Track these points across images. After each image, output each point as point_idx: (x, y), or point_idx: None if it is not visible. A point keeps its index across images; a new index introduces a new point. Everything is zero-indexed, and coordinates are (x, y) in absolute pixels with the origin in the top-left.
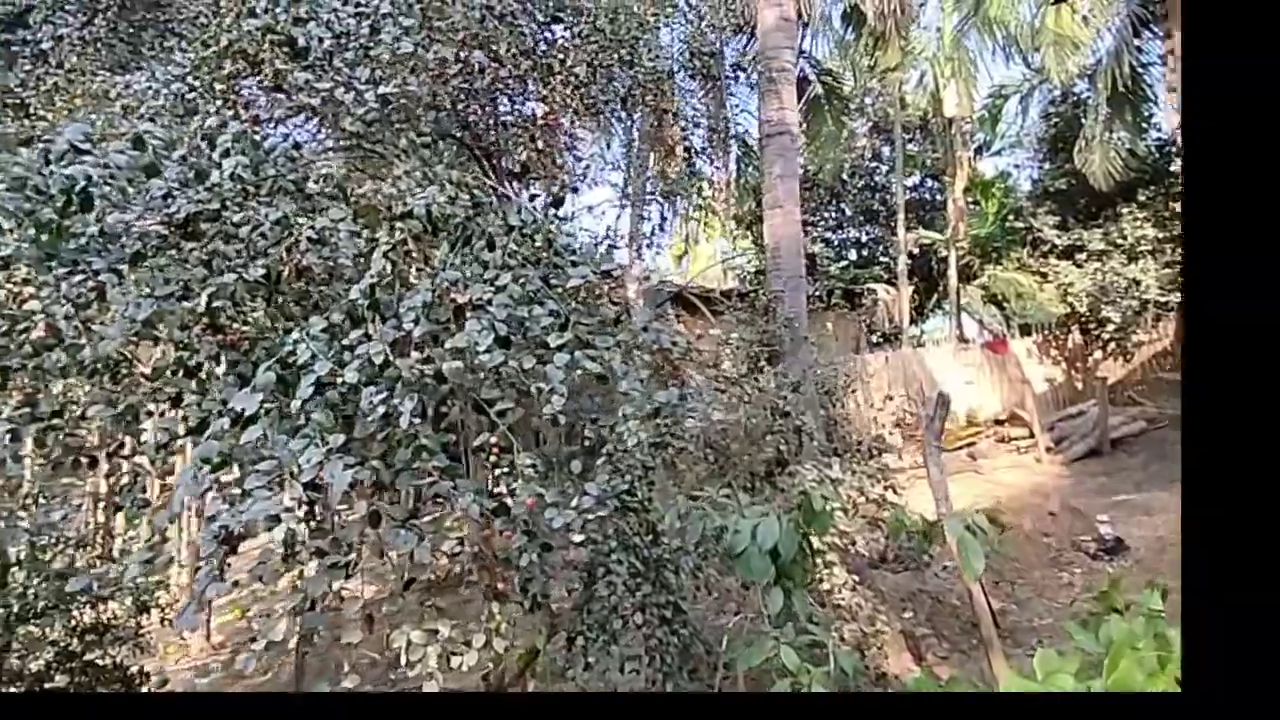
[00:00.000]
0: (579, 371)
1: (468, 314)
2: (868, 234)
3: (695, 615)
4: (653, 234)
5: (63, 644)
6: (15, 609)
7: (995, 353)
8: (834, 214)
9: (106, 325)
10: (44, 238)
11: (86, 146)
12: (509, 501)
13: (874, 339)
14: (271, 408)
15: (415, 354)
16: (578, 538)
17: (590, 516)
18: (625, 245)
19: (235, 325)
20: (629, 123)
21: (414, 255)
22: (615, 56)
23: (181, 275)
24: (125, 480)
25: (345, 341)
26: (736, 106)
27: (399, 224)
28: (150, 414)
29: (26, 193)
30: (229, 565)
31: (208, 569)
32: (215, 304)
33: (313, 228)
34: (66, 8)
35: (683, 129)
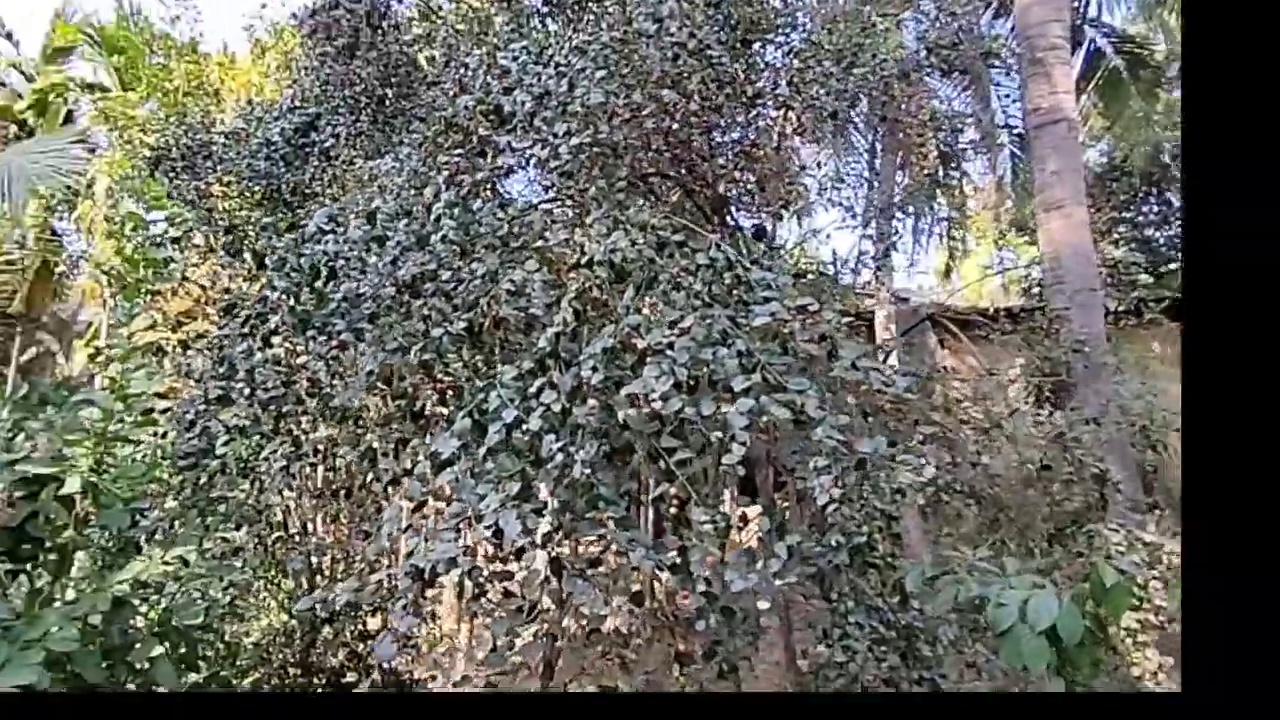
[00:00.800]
0: (764, 418)
1: (648, 359)
2: None
3: None
4: (888, 252)
5: (352, 646)
6: (317, 611)
7: None
8: (1155, 207)
9: (351, 378)
10: (299, 306)
11: (330, 227)
12: (689, 558)
13: None
14: (465, 452)
15: (593, 401)
16: (764, 604)
17: (780, 581)
18: (870, 266)
19: (446, 375)
20: (864, 135)
21: (602, 302)
22: (835, 68)
23: (408, 330)
24: (369, 510)
25: (531, 390)
26: (1007, 97)
27: (583, 271)
28: (385, 454)
29: (288, 270)
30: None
31: (403, 604)
32: (425, 357)
33: (511, 280)
34: (340, 110)
35: (932, 132)
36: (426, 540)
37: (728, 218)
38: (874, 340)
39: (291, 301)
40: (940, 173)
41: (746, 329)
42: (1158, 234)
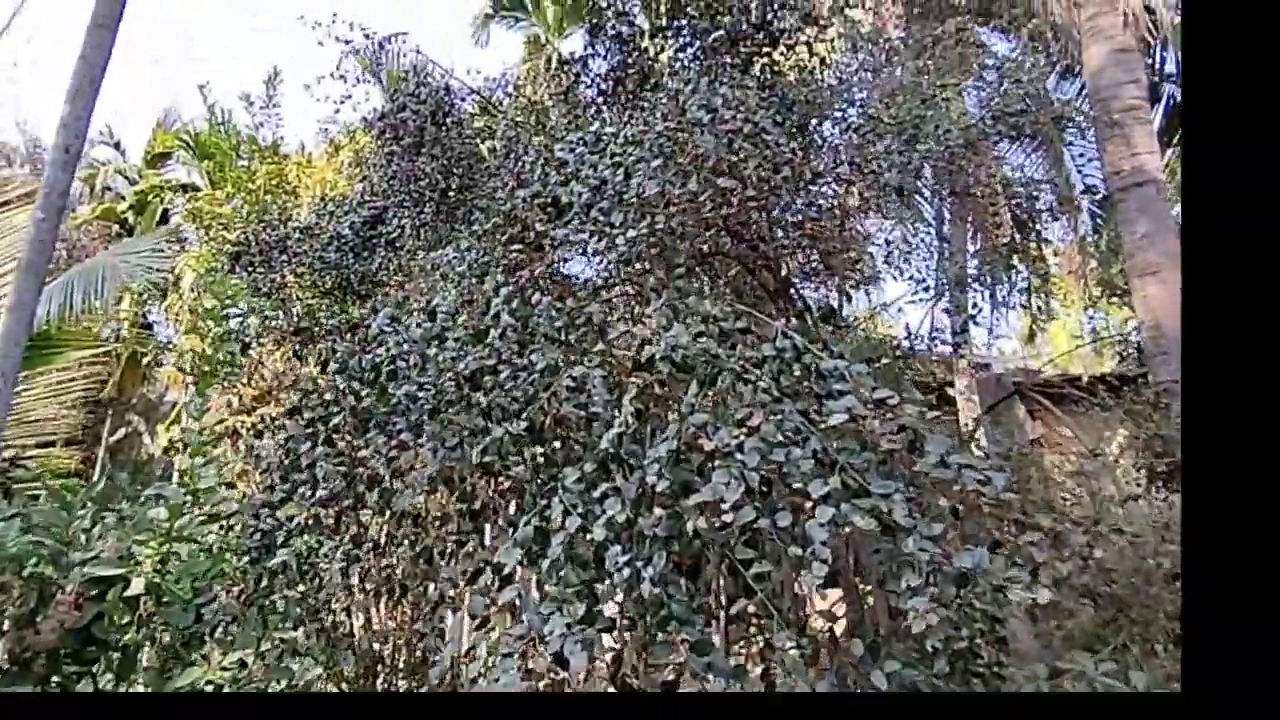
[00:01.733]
0: (846, 528)
1: (716, 462)
2: None
3: None
4: (966, 326)
5: None
6: None
7: None
8: None
9: (413, 474)
10: (360, 405)
11: (390, 328)
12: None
13: None
14: (529, 559)
15: (659, 510)
16: None
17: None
18: (947, 340)
19: (506, 475)
20: (931, 204)
21: (665, 398)
22: (896, 142)
23: (468, 427)
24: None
25: (595, 495)
26: (1082, 157)
27: (644, 372)
28: (442, 554)
29: (349, 371)
30: None
31: None
32: (486, 459)
33: (571, 375)
34: (405, 204)
35: (1004, 199)
36: (488, 663)
37: (793, 297)
38: (956, 413)
39: (353, 401)
40: (1016, 238)
41: (821, 425)
42: None
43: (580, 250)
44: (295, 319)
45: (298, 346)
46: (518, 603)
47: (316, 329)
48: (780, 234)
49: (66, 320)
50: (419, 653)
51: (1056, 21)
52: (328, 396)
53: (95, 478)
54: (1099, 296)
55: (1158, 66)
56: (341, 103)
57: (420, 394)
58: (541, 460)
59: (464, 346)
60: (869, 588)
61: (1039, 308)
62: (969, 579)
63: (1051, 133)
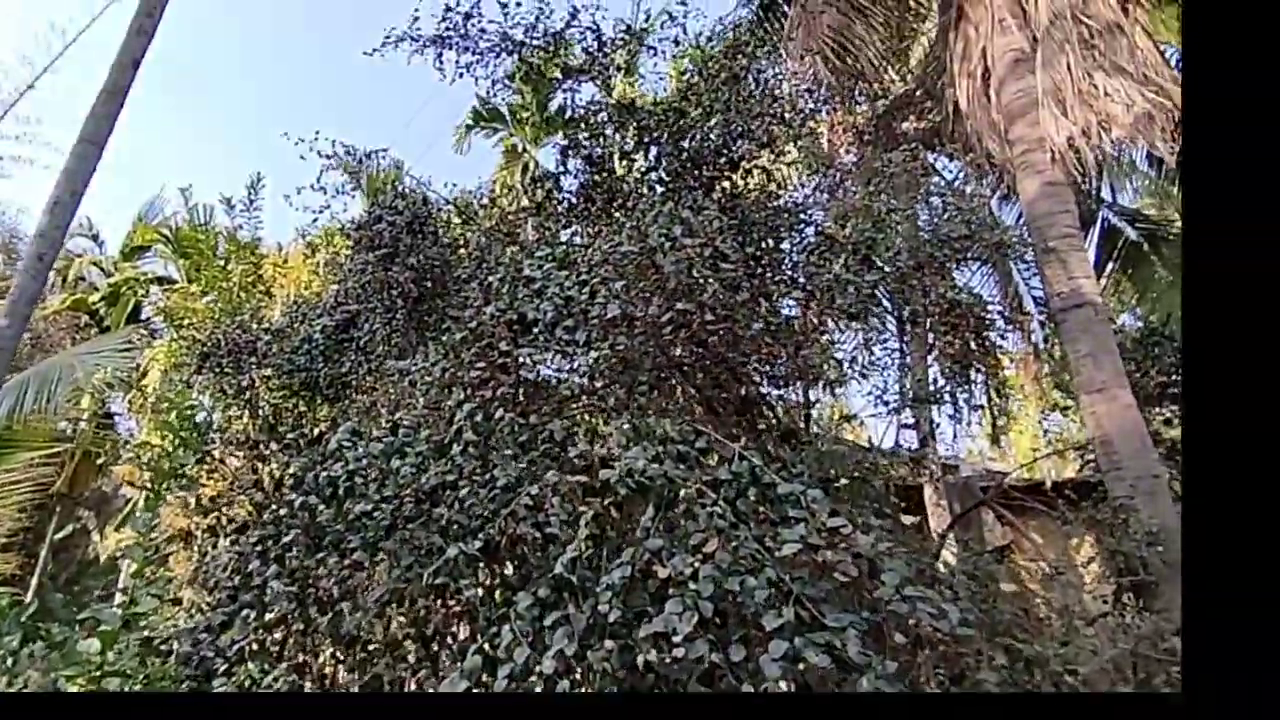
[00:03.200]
0: (799, 665)
1: (670, 591)
2: None
3: None
4: (925, 441)
5: None
6: None
7: None
8: None
9: (362, 595)
10: (314, 523)
11: (350, 443)
12: None
13: None
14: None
15: (609, 642)
16: None
17: None
18: (908, 453)
19: (457, 598)
20: (889, 321)
21: (621, 521)
22: (853, 261)
23: (423, 547)
24: None
25: (547, 623)
26: (1028, 270)
27: (602, 495)
28: (390, 684)
29: (304, 488)
30: None
31: None
32: (438, 581)
33: (529, 494)
34: (376, 310)
35: (955, 319)
36: None
37: (760, 408)
38: (924, 515)
39: (307, 518)
40: (972, 348)
41: (776, 554)
42: None
43: (544, 366)
44: (262, 420)
45: (260, 449)
46: None
47: (279, 431)
48: (741, 349)
49: (16, 420)
50: None
51: (992, 156)
52: (282, 512)
53: (35, 579)
54: (1056, 402)
55: (1091, 191)
56: (320, 212)
57: (376, 512)
58: (495, 583)
59: (425, 461)
60: None
61: (998, 410)
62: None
63: (994, 256)
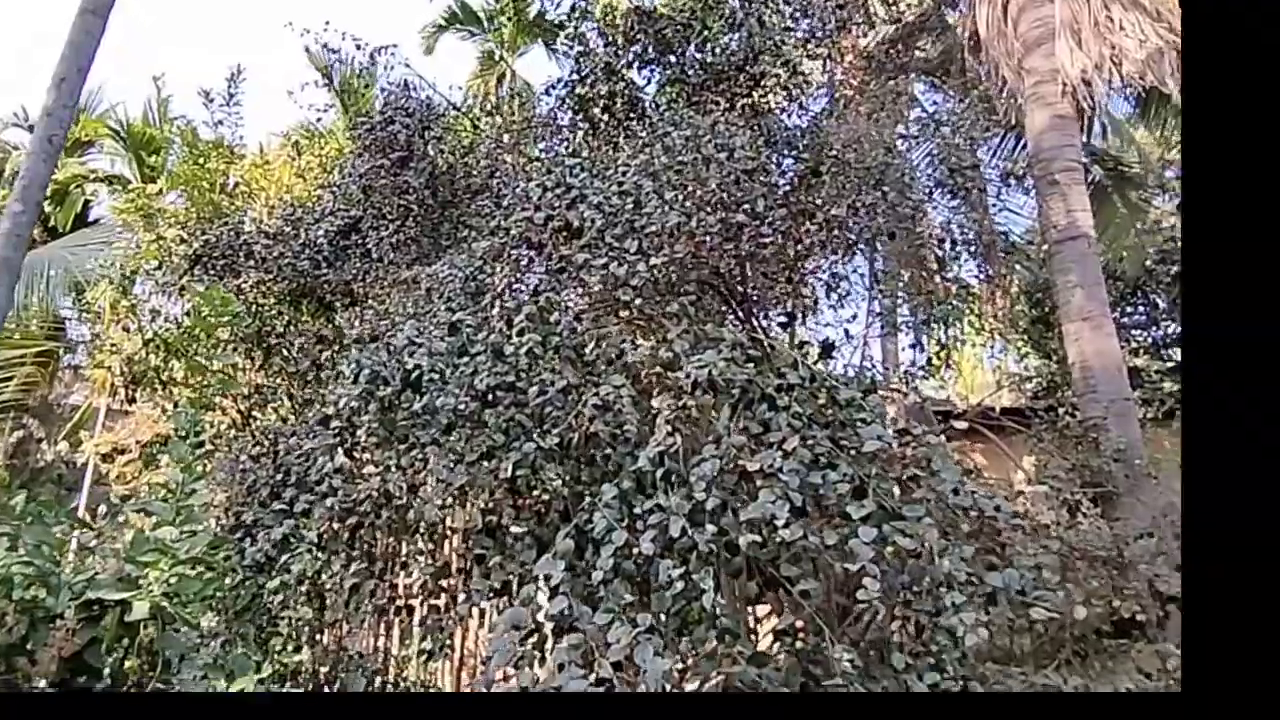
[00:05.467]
0: (888, 548)
1: (759, 482)
2: None
3: None
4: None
5: None
6: None
7: None
8: (1142, 310)
9: (428, 490)
10: (383, 416)
11: (421, 340)
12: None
13: None
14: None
15: (710, 526)
16: None
17: None
18: (882, 369)
19: (535, 491)
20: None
21: (697, 422)
22: (863, 187)
23: (486, 443)
24: (433, 629)
25: (638, 510)
26: (995, 208)
27: (686, 397)
28: (460, 571)
29: (378, 382)
30: None
31: None
32: (518, 472)
33: (597, 394)
34: (385, 215)
35: (938, 244)
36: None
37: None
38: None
39: (374, 408)
40: (937, 280)
41: (850, 451)
42: (1145, 335)
43: (600, 273)
44: (262, 325)
45: (263, 354)
46: (565, 613)
47: (278, 326)
48: (764, 280)
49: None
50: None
51: (1007, 83)
52: (354, 405)
53: None
54: (1007, 335)
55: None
56: (325, 110)
57: (460, 405)
58: (568, 478)
59: (488, 360)
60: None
61: (948, 339)
62: (996, 597)
63: (984, 187)
